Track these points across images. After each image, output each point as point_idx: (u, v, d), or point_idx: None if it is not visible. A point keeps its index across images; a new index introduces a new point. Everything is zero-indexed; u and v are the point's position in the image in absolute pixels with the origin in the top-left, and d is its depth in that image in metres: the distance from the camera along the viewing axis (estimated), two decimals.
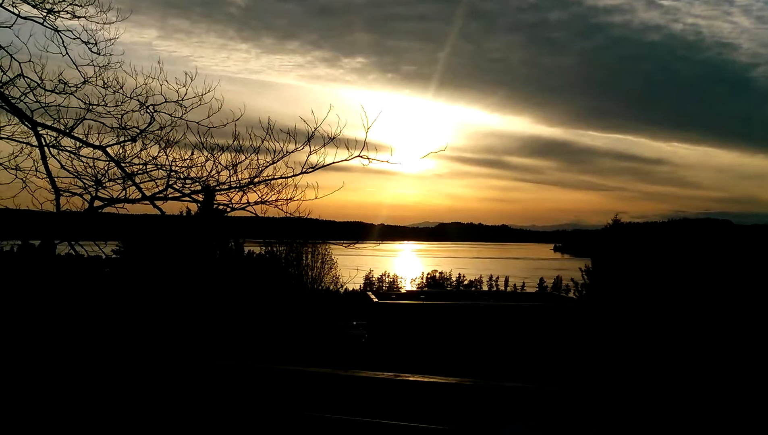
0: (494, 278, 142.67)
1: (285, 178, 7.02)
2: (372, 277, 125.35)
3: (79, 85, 7.08)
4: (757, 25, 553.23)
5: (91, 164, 7.06)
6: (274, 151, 6.91)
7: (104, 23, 7.29)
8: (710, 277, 41.81)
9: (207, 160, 7.06)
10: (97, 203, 6.99)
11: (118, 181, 7.09)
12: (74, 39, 7.20)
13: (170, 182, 7.08)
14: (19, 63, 6.85)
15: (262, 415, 5.16)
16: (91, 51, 7.23)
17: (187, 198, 7.17)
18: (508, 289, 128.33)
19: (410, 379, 4.52)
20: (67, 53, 7.15)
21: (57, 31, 7.11)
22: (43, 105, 6.98)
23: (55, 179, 6.90)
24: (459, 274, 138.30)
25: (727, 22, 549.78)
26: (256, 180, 7.03)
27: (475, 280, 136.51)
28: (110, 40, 7.32)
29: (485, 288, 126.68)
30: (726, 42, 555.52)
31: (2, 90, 6.75)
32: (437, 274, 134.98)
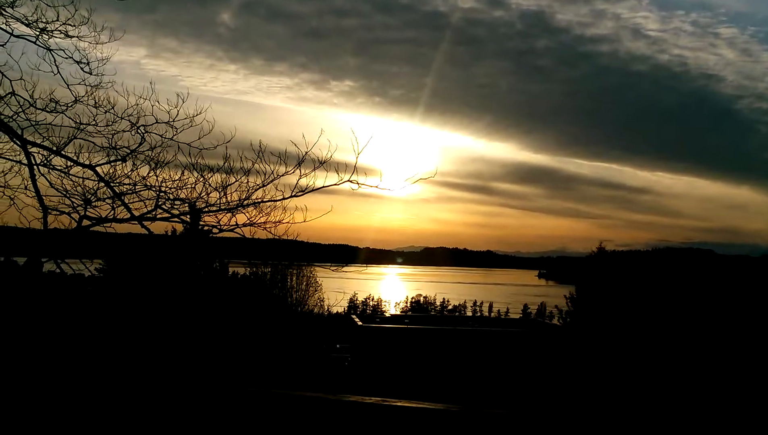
0: (478, 303, 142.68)
1: (274, 201, 7.04)
2: (356, 300, 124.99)
3: (70, 104, 7.08)
4: (742, 57, 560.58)
5: (80, 183, 7.05)
6: (265, 174, 6.92)
7: (96, 43, 7.30)
8: (693, 307, 42.06)
9: (197, 181, 7.06)
10: (85, 222, 6.98)
11: (107, 201, 7.08)
12: (66, 58, 7.20)
13: (159, 203, 7.07)
14: (11, 81, 6.85)
15: None
16: (83, 70, 7.23)
17: (176, 219, 7.17)
18: (492, 314, 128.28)
19: (397, 404, 4.51)
20: (58, 72, 7.15)
21: (49, 50, 7.12)
22: (34, 123, 6.98)
23: (44, 197, 6.90)
24: (443, 298, 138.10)
25: (712, 54, 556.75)
26: (245, 202, 7.04)
27: (459, 304, 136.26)
28: (102, 59, 7.33)
29: (469, 313, 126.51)
30: (711, 74, 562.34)
31: None
32: (421, 299, 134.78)
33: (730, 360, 33.18)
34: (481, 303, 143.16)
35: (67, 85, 7.15)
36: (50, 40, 7.09)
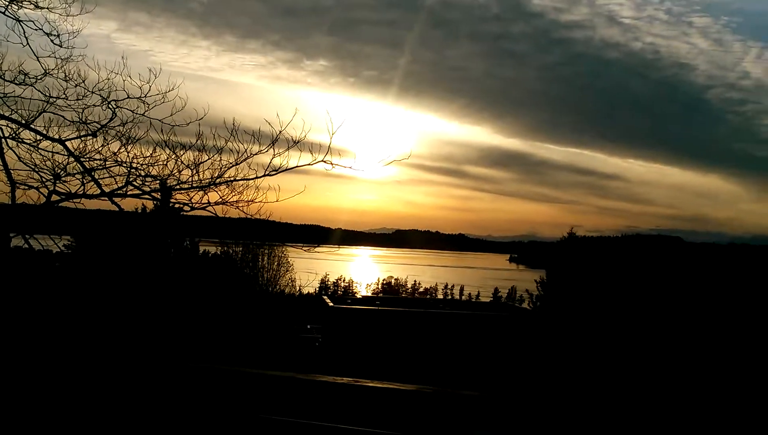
0: (449, 287, 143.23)
1: (247, 179, 6.99)
2: (327, 281, 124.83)
3: (39, 77, 6.95)
4: (714, 47, 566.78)
5: (49, 158, 6.94)
6: (238, 152, 6.87)
7: (67, 15, 7.18)
8: (661, 292, 42.68)
9: (169, 158, 6.98)
10: (54, 197, 6.87)
11: (77, 176, 6.97)
12: (36, 30, 7.09)
13: (130, 179, 6.98)
14: None
15: (212, 418, 5.09)
16: (53, 43, 7.11)
17: (147, 196, 7.09)
18: (463, 298, 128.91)
19: (370, 384, 4.52)
20: (28, 44, 7.04)
21: (19, 20, 7.00)
22: (2, 95, 6.85)
23: (12, 171, 6.78)
24: (414, 280, 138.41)
25: (685, 43, 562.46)
26: (218, 180, 6.97)
27: (430, 287, 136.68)
28: (72, 32, 7.21)
29: (440, 296, 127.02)
30: (683, 62, 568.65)
31: None
32: (393, 281, 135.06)
33: (696, 342, 33.78)
34: (453, 286, 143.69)
35: (37, 58, 7.03)
36: (20, 10, 6.97)
